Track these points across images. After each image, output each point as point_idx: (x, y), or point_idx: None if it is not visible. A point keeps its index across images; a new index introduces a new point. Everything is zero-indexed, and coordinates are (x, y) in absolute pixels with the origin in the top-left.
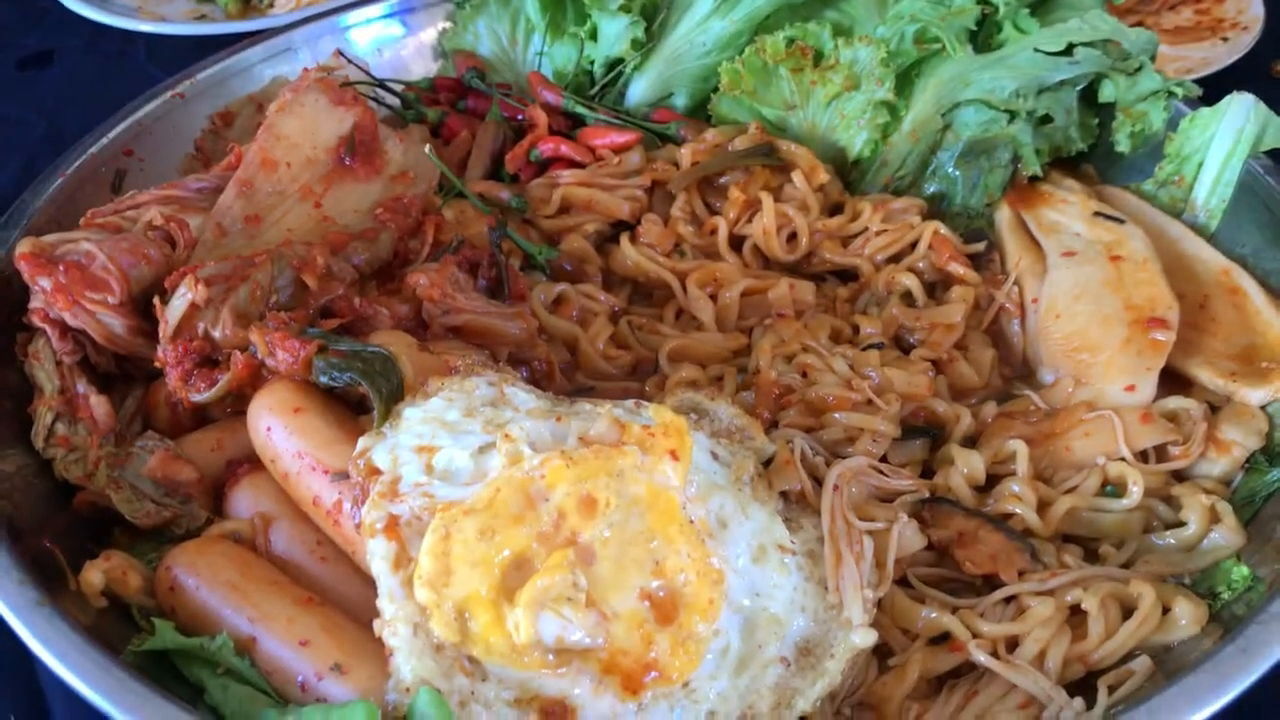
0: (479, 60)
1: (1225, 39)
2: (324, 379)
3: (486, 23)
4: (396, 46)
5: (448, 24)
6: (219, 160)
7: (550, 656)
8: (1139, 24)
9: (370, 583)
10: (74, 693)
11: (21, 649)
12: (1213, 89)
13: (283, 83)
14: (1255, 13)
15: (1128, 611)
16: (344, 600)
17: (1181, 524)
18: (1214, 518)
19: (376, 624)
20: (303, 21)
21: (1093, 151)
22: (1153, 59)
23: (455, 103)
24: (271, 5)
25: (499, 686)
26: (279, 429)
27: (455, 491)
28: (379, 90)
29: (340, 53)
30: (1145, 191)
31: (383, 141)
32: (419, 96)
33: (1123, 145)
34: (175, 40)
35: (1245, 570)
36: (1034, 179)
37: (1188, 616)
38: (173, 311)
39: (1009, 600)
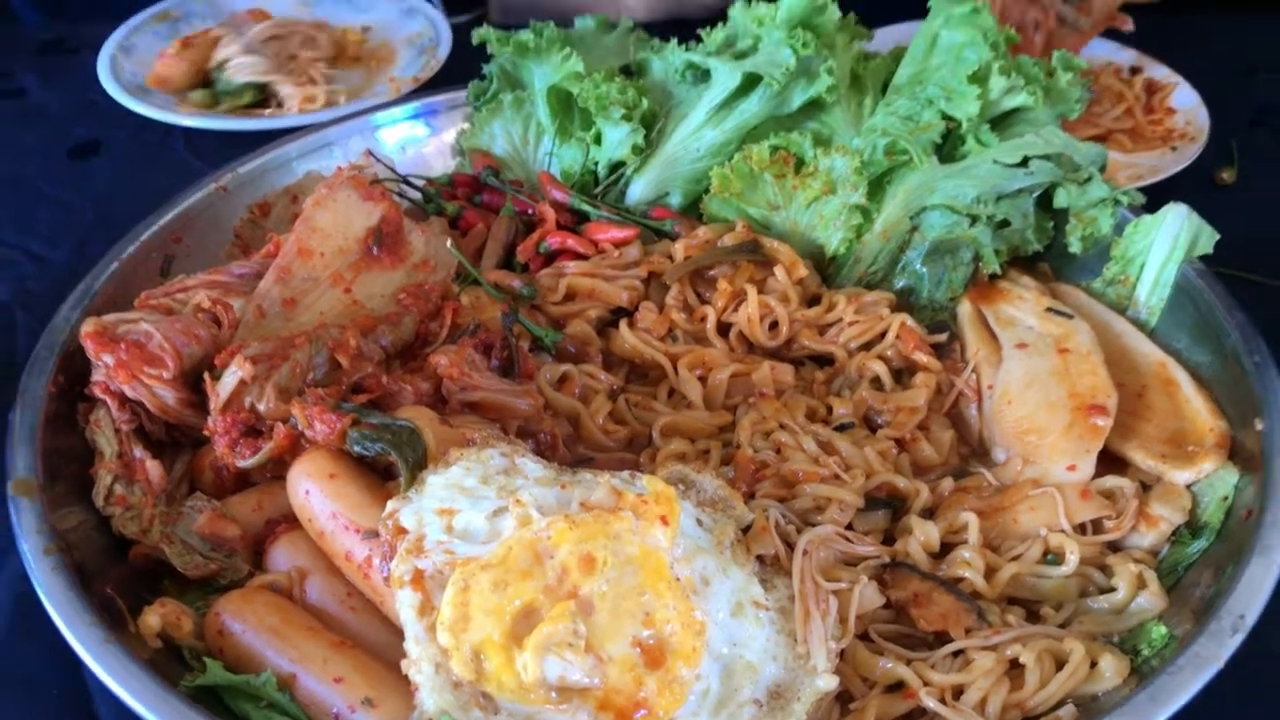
0: (494, 159)
1: (1174, 148)
2: (357, 449)
3: (501, 125)
4: (419, 145)
5: (466, 125)
6: (257, 246)
7: (553, 694)
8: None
9: (393, 629)
10: None
11: (79, 688)
12: (1163, 194)
13: (316, 177)
14: (1201, 124)
15: (1061, 665)
16: (370, 644)
17: (1113, 589)
18: (1141, 584)
19: (404, 663)
20: (337, 120)
21: (1048, 251)
22: (1102, 170)
23: (472, 197)
24: (280, 106)
25: (509, 719)
26: (316, 492)
27: (473, 549)
28: (403, 185)
29: (370, 152)
30: (1094, 289)
31: (406, 233)
32: (439, 191)
33: (1075, 247)
34: (212, 133)
35: (1164, 630)
36: (994, 276)
37: (1112, 670)
38: (224, 387)
39: (957, 654)
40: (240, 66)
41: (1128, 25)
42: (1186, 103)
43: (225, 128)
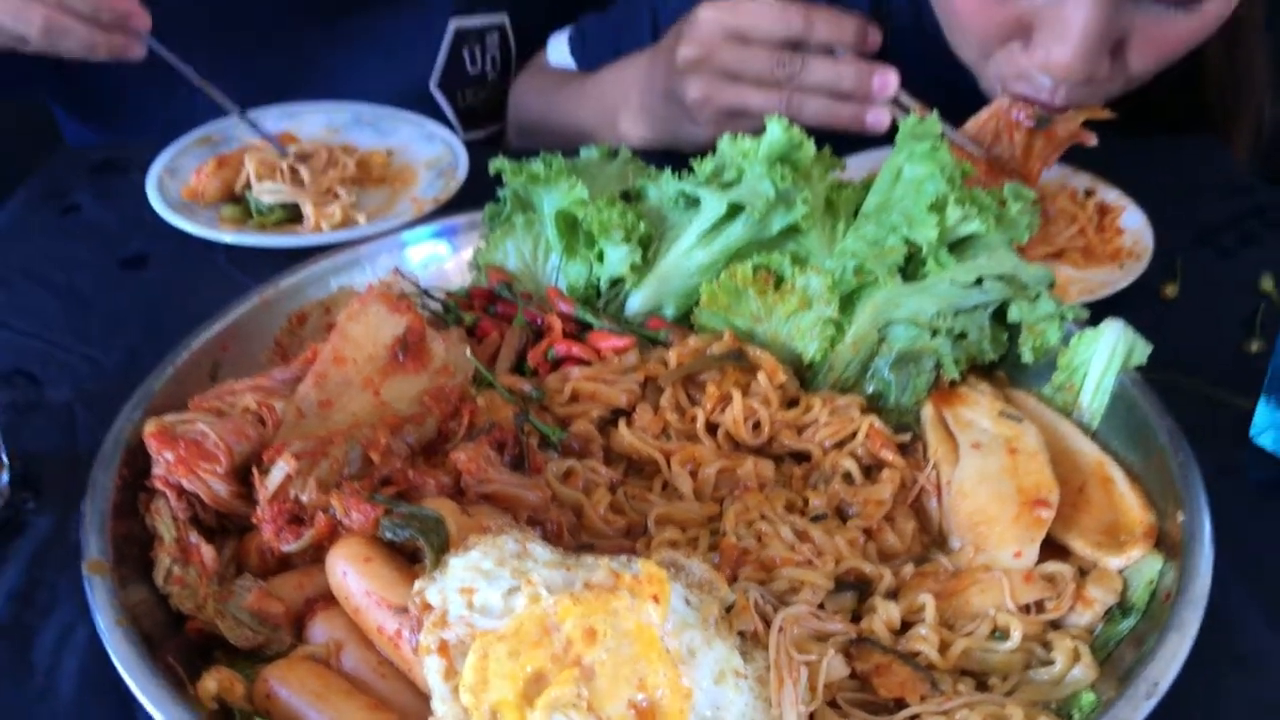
0: (507, 274)
1: (1122, 265)
2: (388, 535)
3: (514, 243)
4: (441, 262)
5: (482, 243)
6: (294, 353)
7: None
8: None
9: (419, 694)
10: None
11: None
12: (1111, 307)
13: (348, 290)
14: (1147, 243)
15: None
16: (400, 707)
17: (1052, 662)
18: (1077, 657)
19: None
20: (367, 239)
21: (1003, 361)
22: (1051, 287)
23: (487, 308)
24: (300, 223)
25: None
26: (352, 573)
27: (490, 622)
28: (425, 298)
29: (397, 269)
30: (1044, 395)
31: (429, 342)
32: (458, 304)
33: (1026, 357)
34: (251, 247)
35: (1093, 697)
36: (954, 383)
37: None
38: (272, 481)
39: (913, 718)
40: (265, 190)
41: (1091, 140)
42: (1134, 223)
43: (264, 244)
